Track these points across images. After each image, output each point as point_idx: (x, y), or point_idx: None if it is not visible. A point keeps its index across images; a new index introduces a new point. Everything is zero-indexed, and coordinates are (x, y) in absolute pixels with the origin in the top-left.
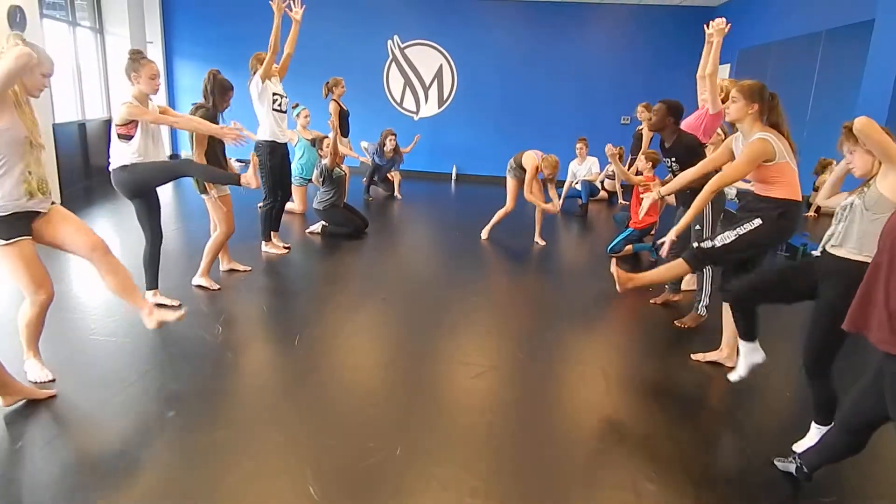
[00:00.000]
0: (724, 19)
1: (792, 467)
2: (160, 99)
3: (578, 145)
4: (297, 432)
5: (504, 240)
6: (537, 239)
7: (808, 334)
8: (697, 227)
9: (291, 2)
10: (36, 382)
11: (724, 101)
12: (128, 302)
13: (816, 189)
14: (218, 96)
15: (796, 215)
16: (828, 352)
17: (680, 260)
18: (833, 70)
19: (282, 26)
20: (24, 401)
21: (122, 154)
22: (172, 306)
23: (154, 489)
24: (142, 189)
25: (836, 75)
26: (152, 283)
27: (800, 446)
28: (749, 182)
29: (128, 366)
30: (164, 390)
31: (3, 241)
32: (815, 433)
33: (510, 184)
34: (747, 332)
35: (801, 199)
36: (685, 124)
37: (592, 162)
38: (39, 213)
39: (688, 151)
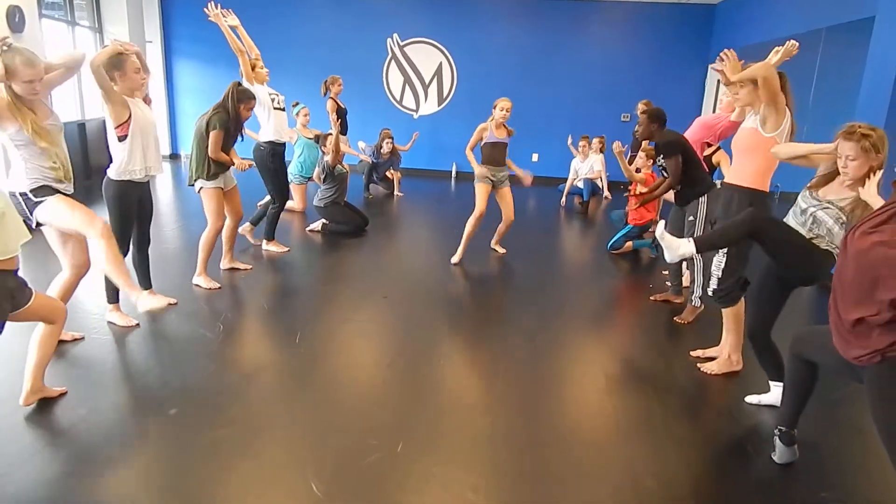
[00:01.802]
0: (797, 43)
1: (779, 444)
2: (160, 100)
3: (581, 143)
4: (299, 430)
5: (504, 239)
6: (494, 245)
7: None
8: (691, 217)
9: (220, 12)
10: None
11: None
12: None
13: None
14: (240, 105)
15: (766, 203)
16: (768, 317)
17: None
18: (833, 68)
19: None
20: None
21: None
22: (171, 304)
23: (156, 487)
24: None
25: (836, 73)
26: (146, 284)
27: (755, 398)
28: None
29: (129, 364)
30: (166, 388)
31: (51, 196)
32: (775, 390)
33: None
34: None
35: (767, 191)
36: (701, 122)
37: (595, 160)
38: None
39: (665, 146)
